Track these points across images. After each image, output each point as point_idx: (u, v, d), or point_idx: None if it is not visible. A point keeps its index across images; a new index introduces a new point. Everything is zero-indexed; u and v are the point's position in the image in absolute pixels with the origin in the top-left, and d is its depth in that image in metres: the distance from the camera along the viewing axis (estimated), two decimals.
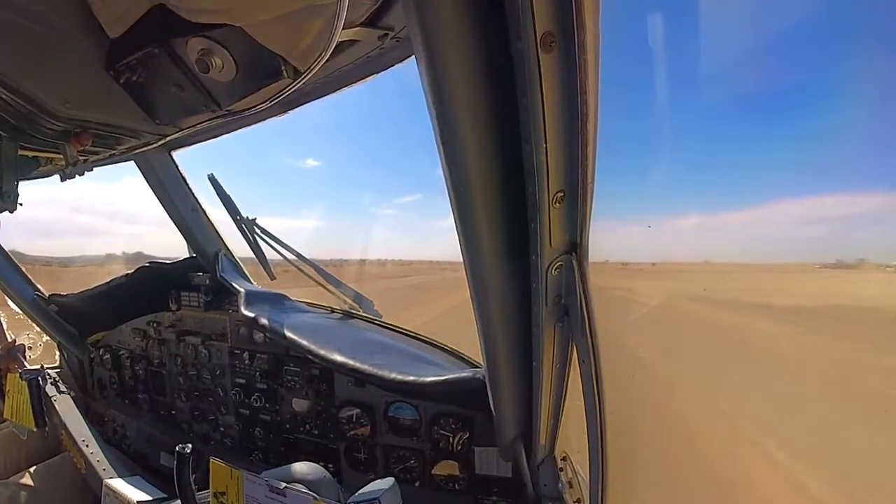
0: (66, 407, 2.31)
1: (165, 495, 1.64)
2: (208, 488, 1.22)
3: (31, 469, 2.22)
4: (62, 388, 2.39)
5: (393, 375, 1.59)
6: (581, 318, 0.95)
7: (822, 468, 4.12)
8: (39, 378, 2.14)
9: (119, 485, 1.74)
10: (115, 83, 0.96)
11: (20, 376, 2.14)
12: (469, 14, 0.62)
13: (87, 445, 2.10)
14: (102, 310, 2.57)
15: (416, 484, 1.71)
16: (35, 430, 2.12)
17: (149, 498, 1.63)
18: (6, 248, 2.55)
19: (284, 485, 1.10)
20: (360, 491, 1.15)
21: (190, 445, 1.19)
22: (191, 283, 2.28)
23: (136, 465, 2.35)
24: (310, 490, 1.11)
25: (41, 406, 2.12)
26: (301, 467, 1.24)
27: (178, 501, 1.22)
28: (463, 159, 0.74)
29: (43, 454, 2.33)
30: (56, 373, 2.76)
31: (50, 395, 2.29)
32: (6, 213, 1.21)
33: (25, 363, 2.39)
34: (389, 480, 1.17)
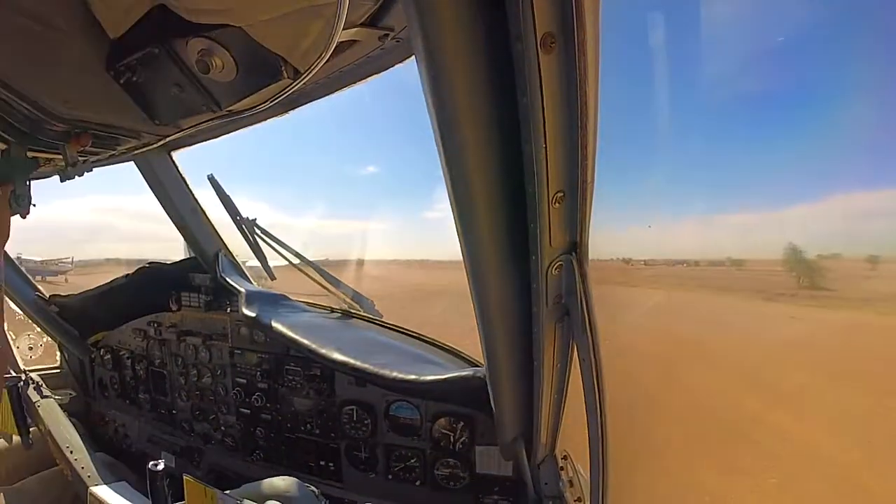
0: (49, 412, 2.21)
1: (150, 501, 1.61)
2: (206, 487, 1.22)
3: (31, 477, 2.20)
4: (45, 391, 2.29)
5: (394, 374, 1.60)
6: (581, 318, 0.95)
7: None
8: (20, 385, 2.06)
9: (103, 492, 1.69)
10: (116, 83, 0.96)
11: None
12: (469, 14, 0.62)
13: (71, 451, 2.03)
14: (103, 310, 2.56)
15: (417, 483, 1.72)
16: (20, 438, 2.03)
17: None
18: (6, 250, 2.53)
19: None
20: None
21: (162, 463, 1.17)
22: (191, 284, 2.28)
23: (137, 464, 2.35)
24: None
25: (23, 413, 2.03)
26: (277, 483, 1.20)
27: None
28: (463, 159, 0.74)
29: (46, 462, 2.29)
30: (57, 373, 2.76)
31: (33, 400, 2.20)
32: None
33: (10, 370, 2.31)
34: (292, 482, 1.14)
